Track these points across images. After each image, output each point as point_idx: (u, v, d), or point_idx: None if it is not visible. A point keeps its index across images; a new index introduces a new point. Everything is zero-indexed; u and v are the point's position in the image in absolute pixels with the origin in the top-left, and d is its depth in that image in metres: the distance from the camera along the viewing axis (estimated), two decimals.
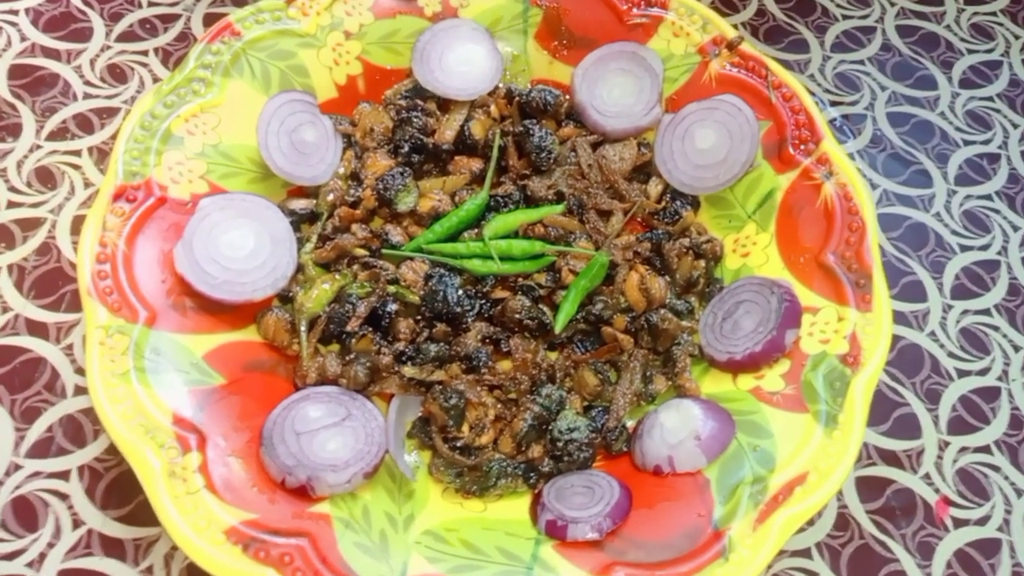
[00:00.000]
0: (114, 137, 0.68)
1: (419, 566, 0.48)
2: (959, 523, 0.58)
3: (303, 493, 0.49)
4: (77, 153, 0.69)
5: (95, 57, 0.74)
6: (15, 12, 0.75)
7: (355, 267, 0.60)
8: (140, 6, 0.77)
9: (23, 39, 0.74)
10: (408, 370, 0.55)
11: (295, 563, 0.45)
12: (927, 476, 0.60)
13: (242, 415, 0.52)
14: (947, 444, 0.61)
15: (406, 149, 0.64)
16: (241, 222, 0.57)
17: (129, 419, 0.48)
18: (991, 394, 0.63)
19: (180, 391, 0.50)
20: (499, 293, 0.60)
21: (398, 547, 0.49)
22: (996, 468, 0.60)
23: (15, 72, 0.72)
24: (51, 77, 0.72)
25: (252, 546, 0.45)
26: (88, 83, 0.72)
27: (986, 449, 0.61)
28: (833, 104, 0.77)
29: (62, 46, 0.74)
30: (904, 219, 0.72)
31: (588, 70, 0.67)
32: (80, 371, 0.59)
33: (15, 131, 0.69)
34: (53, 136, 0.69)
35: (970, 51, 0.81)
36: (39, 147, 0.68)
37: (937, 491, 0.59)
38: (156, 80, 0.73)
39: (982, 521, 0.58)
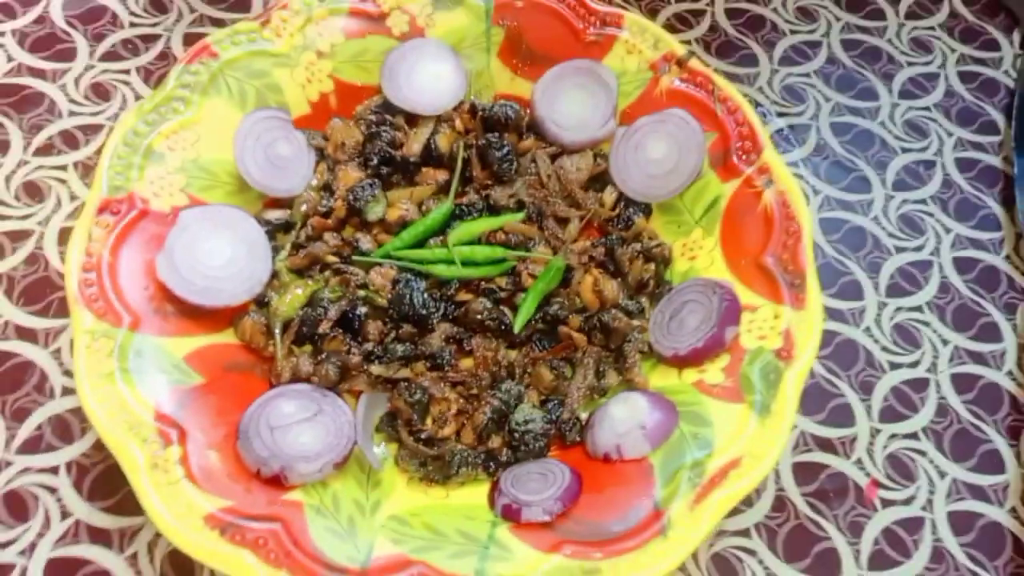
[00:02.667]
0: (98, 152, 0.72)
1: (384, 547, 0.51)
2: (887, 503, 0.63)
3: (277, 482, 0.53)
4: (63, 168, 0.72)
5: (79, 76, 0.77)
6: (2, 34, 0.79)
7: (327, 273, 0.64)
8: (122, 27, 0.81)
9: (10, 59, 0.78)
10: (376, 368, 0.59)
11: (269, 545, 0.49)
12: (859, 461, 0.64)
13: (220, 411, 0.55)
14: (878, 431, 0.66)
15: (375, 162, 0.67)
16: (219, 232, 0.61)
17: (114, 416, 0.51)
18: (920, 385, 0.68)
19: (162, 390, 0.54)
20: (463, 296, 0.64)
21: (365, 530, 0.53)
22: (923, 453, 0.65)
23: (3, 91, 0.76)
24: (37, 96, 0.76)
25: (229, 530, 0.49)
26: (73, 101, 0.76)
27: (914, 436, 0.66)
28: (780, 115, 0.81)
29: (47, 66, 0.78)
30: (844, 223, 0.76)
31: (547, 86, 0.71)
32: (67, 373, 0.63)
33: (3, 147, 0.73)
34: (40, 152, 0.73)
35: (909, 63, 0.86)
36: (26, 162, 0.72)
37: (867, 474, 0.64)
38: (138, 97, 0.77)
39: (908, 501, 0.63)
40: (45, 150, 0.73)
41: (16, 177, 0.71)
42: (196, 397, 0.55)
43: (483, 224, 0.65)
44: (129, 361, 0.54)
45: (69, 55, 0.79)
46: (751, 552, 0.60)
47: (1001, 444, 0.66)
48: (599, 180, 0.71)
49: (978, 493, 0.64)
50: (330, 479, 0.55)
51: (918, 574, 0.60)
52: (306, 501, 0.53)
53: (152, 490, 0.49)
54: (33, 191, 0.71)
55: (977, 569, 0.61)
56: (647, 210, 0.69)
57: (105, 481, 0.59)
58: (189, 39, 0.81)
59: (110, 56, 0.79)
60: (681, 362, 0.61)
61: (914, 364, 0.69)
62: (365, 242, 0.65)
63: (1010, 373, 0.69)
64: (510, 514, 0.54)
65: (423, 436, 0.58)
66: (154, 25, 0.81)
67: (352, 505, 0.54)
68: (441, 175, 0.69)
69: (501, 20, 0.73)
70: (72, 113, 0.75)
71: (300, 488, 0.53)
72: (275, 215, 0.66)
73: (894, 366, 0.69)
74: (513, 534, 0.53)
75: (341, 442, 0.55)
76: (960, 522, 0.62)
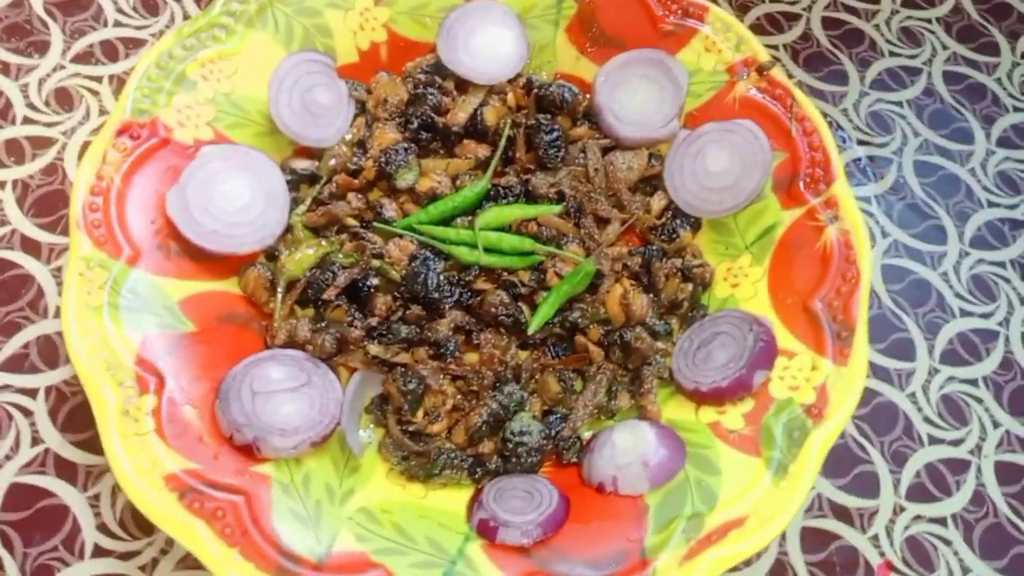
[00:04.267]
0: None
1: (346, 542, 0.49)
2: None
3: (249, 452, 0.50)
4: (98, 79, 0.70)
5: None
6: None
7: (343, 236, 0.61)
8: None
9: None
10: (373, 348, 0.56)
11: (226, 519, 0.47)
12: (875, 537, 0.59)
13: (206, 364, 0.53)
14: (903, 509, 0.60)
15: (415, 125, 0.64)
16: (239, 174, 0.58)
17: (94, 352, 0.49)
18: (959, 466, 0.62)
19: (149, 333, 0.52)
20: (481, 284, 0.60)
21: (330, 519, 0.50)
22: (948, 542, 0.59)
23: None
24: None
25: (188, 495, 0.47)
26: (121, 11, 0.74)
27: (942, 521, 0.60)
28: (860, 143, 0.75)
29: None
30: (909, 273, 0.70)
31: (612, 72, 0.66)
32: None
33: (42, 48, 0.71)
34: (78, 59, 0.71)
35: (1017, 108, 0.78)
36: (62, 67, 0.70)
37: (882, 554, 0.59)
38: (187, 16, 0.74)
39: None
40: (84, 57, 0.71)
41: (50, 81, 0.70)
42: (183, 345, 0.53)
43: (516, 211, 0.61)
44: (121, 297, 0.52)
45: None
46: None
47: None
48: (650, 182, 0.66)
49: None
50: (305, 456, 0.52)
51: None
52: (275, 476, 0.50)
53: (118, 438, 0.48)
54: (64, 99, 0.69)
55: None
56: (695, 224, 0.65)
57: (80, 415, 0.58)
58: None
59: None
60: (701, 398, 0.57)
61: (956, 443, 0.63)
62: (389, 209, 0.62)
63: None
64: (486, 531, 0.51)
65: (411, 429, 0.55)
66: None
67: (323, 489, 0.52)
68: (482, 150, 0.65)
69: None
70: (117, 23, 0.73)
71: (272, 462, 0.51)
72: (302, 165, 0.63)
73: (934, 440, 0.63)
74: (485, 553, 0.50)
75: (324, 420, 0.52)
76: None
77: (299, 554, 0.47)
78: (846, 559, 0.58)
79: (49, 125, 0.67)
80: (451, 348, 0.57)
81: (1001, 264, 0.71)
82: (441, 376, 0.56)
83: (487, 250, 0.59)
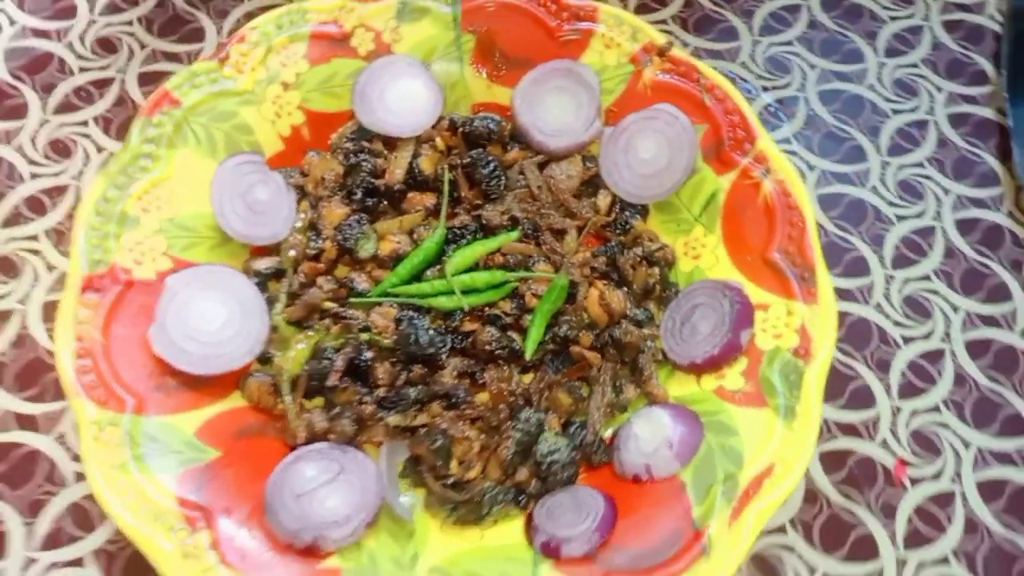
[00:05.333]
0: (69, 217, 0.69)
1: None
2: (916, 481, 0.63)
3: (312, 551, 0.52)
4: (34, 237, 0.69)
5: (35, 133, 0.73)
6: None
7: (327, 321, 0.62)
8: (72, 73, 0.77)
9: None
10: (392, 419, 0.58)
11: None
12: (884, 442, 0.64)
13: (242, 483, 0.54)
14: (899, 409, 0.65)
15: (359, 194, 0.65)
16: (209, 294, 0.58)
17: (135, 508, 0.50)
18: (935, 356, 0.68)
19: (180, 472, 0.52)
20: (469, 325, 0.62)
21: None
22: (945, 425, 0.65)
23: None
24: None
25: None
26: (32, 162, 0.72)
27: (935, 409, 0.66)
28: (766, 89, 0.79)
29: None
30: (843, 196, 0.74)
31: (526, 91, 0.69)
32: (77, 458, 0.61)
33: None
34: (7, 223, 0.69)
35: (892, 18, 0.83)
36: None
37: (894, 454, 0.64)
38: (100, 150, 0.73)
39: (936, 476, 0.63)
40: (12, 220, 0.69)
41: None
42: (215, 473, 0.54)
43: (479, 248, 0.64)
44: (141, 447, 0.52)
45: (20, 112, 0.74)
46: (789, 548, 0.60)
47: (1022, 406, 0.66)
48: (591, 184, 0.69)
49: (1004, 459, 0.64)
50: (364, 538, 0.54)
51: (954, 548, 0.61)
52: (344, 567, 0.52)
53: None
54: (7, 267, 0.67)
55: (1011, 535, 0.61)
56: (644, 211, 0.68)
57: (134, 567, 0.57)
58: (144, 79, 0.77)
59: (64, 108, 0.75)
60: (698, 370, 0.60)
61: (928, 335, 0.68)
62: (360, 282, 0.63)
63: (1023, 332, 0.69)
64: (549, 551, 0.53)
65: (450, 482, 0.57)
66: (105, 68, 0.77)
67: (390, 563, 0.53)
68: (428, 199, 0.67)
69: (470, 26, 0.70)
70: (34, 176, 0.71)
71: (336, 553, 0.52)
72: (264, 264, 0.63)
73: (908, 340, 0.68)
74: (557, 570, 0.53)
75: (369, 500, 0.54)
76: (990, 491, 0.63)
77: None
78: (865, 469, 0.63)
79: (1, 297, 0.66)
80: (461, 395, 0.59)
81: (920, 164, 0.76)
82: (461, 423, 0.59)
83: (464, 292, 0.61)
